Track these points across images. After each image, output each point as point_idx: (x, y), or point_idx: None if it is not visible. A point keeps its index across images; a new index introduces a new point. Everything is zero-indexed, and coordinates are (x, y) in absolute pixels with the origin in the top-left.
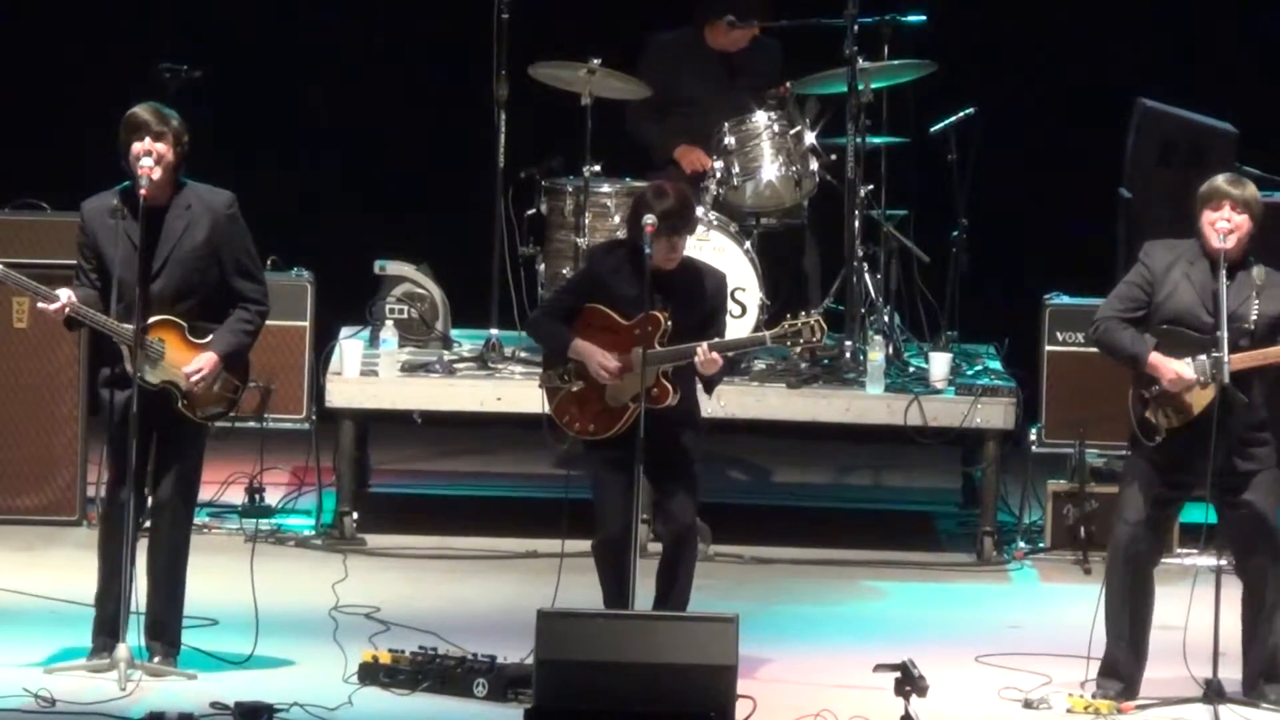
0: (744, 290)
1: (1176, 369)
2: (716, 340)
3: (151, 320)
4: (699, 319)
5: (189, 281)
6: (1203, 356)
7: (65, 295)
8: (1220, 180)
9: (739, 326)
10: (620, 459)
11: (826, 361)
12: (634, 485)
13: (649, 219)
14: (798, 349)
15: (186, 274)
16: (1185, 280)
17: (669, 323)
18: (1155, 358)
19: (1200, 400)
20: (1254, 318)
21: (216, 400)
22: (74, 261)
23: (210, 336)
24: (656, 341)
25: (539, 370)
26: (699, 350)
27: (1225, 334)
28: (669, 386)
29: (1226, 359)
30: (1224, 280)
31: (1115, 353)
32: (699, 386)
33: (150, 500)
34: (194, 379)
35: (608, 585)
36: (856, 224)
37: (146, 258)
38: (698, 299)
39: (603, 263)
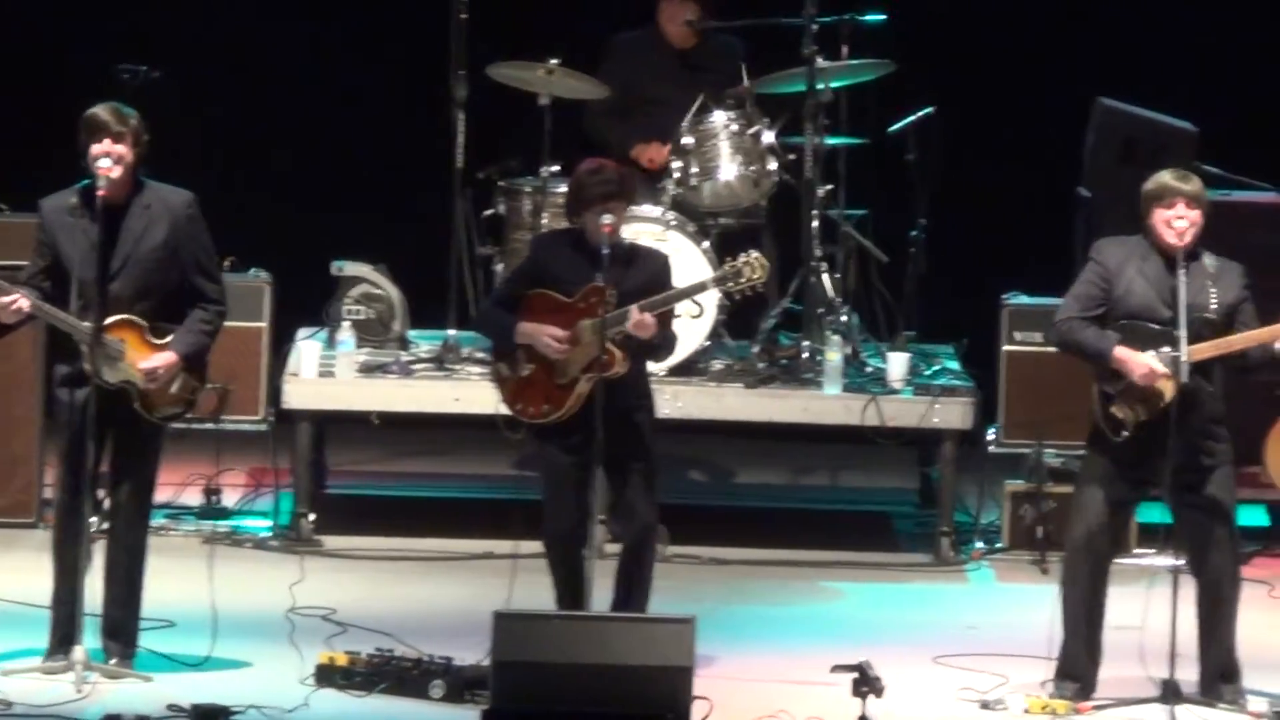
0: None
1: (1147, 362)
2: (653, 299)
3: (111, 320)
4: (643, 295)
5: (148, 281)
6: (1166, 348)
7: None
8: (1168, 177)
9: (697, 326)
10: (574, 446)
11: (784, 362)
12: (588, 474)
13: (606, 219)
14: (739, 288)
15: (146, 274)
16: (1140, 276)
17: (613, 294)
18: (1122, 352)
19: (1169, 390)
20: (1213, 305)
21: (174, 401)
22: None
23: (170, 337)
24: (601, 312)
25: None
26: (630, 312)
27: (1185, 333)
28: (617, 353)
29: (1185, 358)
30: (1183, 279)
31: (1080, 352)
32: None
33: (106, 501)
34: (151, 378)
35: (559, 583)
36: (815, 224)
37: (105, 257)
38: (639, 275)
39: (546, 249)
